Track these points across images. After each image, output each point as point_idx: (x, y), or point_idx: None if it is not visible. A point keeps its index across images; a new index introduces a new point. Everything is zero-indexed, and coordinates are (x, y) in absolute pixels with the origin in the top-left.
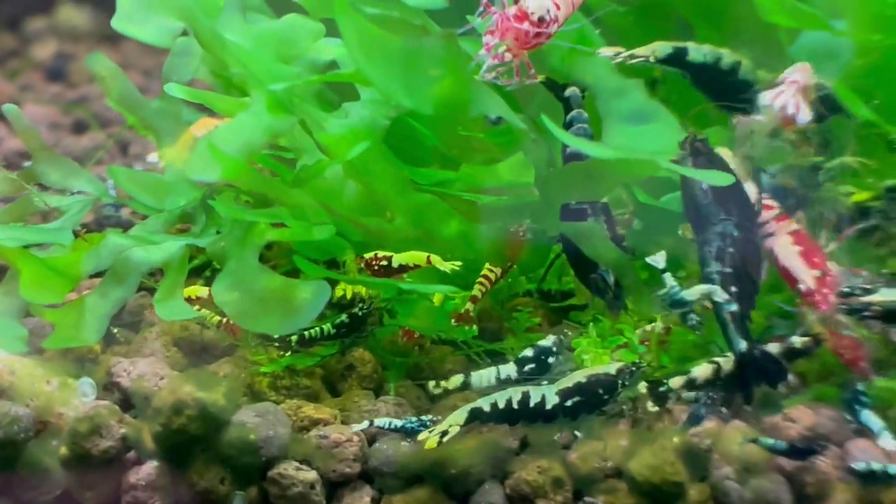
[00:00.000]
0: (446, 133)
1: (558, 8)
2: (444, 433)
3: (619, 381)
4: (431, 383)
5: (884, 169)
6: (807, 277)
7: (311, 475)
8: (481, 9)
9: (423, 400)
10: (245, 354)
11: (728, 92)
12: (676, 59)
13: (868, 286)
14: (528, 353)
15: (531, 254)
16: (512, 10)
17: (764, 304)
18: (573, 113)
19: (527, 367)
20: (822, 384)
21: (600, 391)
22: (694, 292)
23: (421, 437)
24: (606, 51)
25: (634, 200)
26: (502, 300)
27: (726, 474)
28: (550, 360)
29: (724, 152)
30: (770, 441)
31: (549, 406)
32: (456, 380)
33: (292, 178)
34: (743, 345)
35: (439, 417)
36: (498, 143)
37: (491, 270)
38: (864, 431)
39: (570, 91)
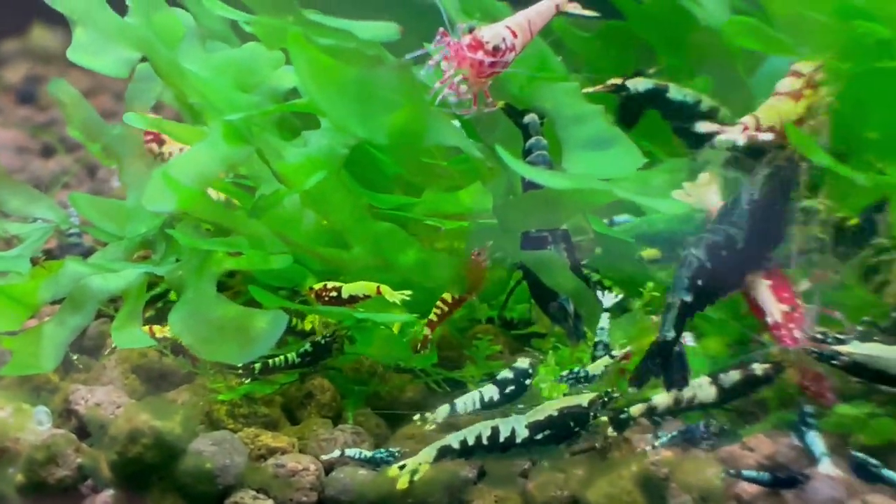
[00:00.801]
0: (408, 160)
1: (515, 36)
2: (415, 471)
3: (592, 413)
4: (416, 418)
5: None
6: (775, 311)
7: None
8: (438, 37)
9: (382, 428)
10: (204, 382)
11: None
12: (656, 95)
13: (840, 336)
14: (509, 374)
15: (492, 281)
16: (466, 39)
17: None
18: (531, 140)
19: (508, 389)
20: (782, 412)
21: (572, 424)
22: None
23: (391, 473)
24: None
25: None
26: (462, 328)
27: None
28: (528, 381)
29: (707, 177)
30: (753, 473)
31: (519, 440)
32: (443, 410)
33: (250, 208)
34: (671, 335)
35: (407, 450)
36: (461, 170)
37: (448, 298)
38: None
39: (529, 118)
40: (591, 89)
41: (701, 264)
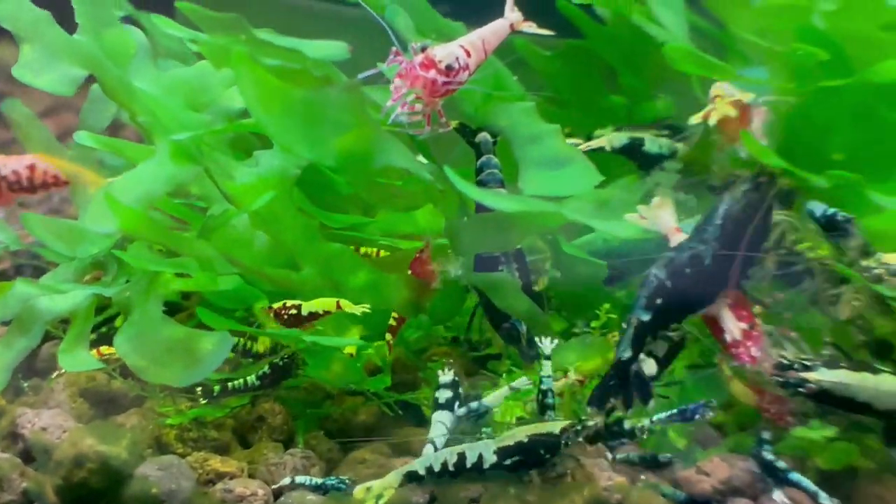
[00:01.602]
0: (362, 181)
1: (469, 55)
2: (380, 496)
3: (563, 441)
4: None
5: None
6: (734, 329)
7: None
8: (391, 56)
9: (334, 452)
10: (153, 405)
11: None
12: (632, 148)
13: (807, 362)
14: (448, 393)
15: (445, 302)
16: (419, 58)
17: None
18: (482, 159)
19: (456, 405)
20: (740, 435)
21: (542, 451)
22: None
23: (357, 494)
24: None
25: (551, 247)
26: (419, 349)
27: None
28: (460, 389)
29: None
30: (669, 490)
31: (486, 465)
32: (427, 451)
33: (199, 229)
34: (627, 354)
35: (356, 479)
36: (417, 190)
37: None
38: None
39: (481, 137)
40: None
41: (660, 283)
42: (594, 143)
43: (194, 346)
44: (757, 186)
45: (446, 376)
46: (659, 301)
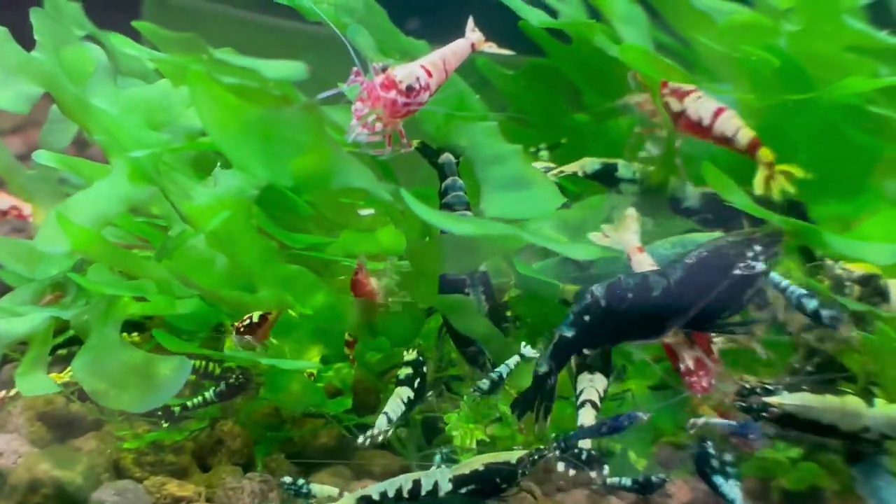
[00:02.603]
0: (325, 201)
1: (430, 75)
2: None
3: (520, 471)
4: (360, 439)
5: None
6: (687, 357)
7: None
8: (352, 76)
9: (293, 475)
10: (112, 429)
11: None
12: (605, 174)
13: (769, 385)
14: (408, 370)
15: (403, 324)
16: (379, 78)
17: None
18: (447, 181)
19: (416, 383)
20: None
21: (498, 480)
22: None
23: None
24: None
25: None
26: (381, 371)
27: None
28: (424, 368)
29: (627, 219)
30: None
31: (441, 493)
32: (381, 422)
33: (156, 250)
34: (543, 368)
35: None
36: (380, 209)
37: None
38: None
39: (444, 158)
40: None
41: (594, 301)
42: (567, 168)
43: (152, 371)
44: (752, 243)
45: (411, 355)
46: (587, 318)
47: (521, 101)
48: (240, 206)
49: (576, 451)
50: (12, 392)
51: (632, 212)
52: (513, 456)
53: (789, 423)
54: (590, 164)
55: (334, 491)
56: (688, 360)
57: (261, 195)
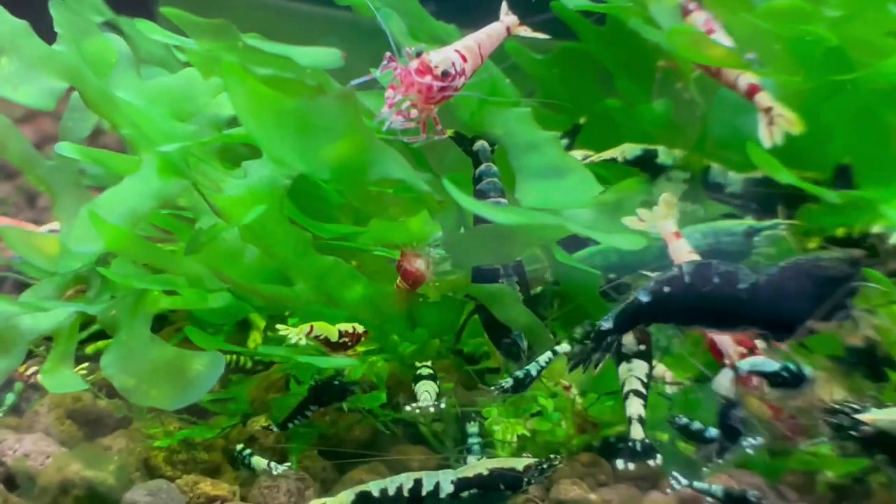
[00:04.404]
0: (355, 189)
1: (465, 60)
2: None
3: (526, 479)
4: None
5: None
6: (732, 353)
7: None
8: (384, 62)
9: (329, 472)
10: (140, 427)
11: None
12: (646, 160)
13: (856, 405)
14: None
15: (442, 314)
16: (414, 63)
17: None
18: (481, 167)
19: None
20: None
21: (502, 486)
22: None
23: None
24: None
25: (550, 257)
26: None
27: None
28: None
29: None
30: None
31: (442, 495)
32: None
33: (187, 244)
34: (608, 325)
35: None
36: (411, 197)
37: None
38: None
39: (478, 145)
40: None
41: (679, 275)
42: (606, 154)
43: (185, 367)
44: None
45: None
46: (666, 290)
47: (552, 85)
48: (273, 197)
49: (629, 443)
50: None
51: (668, 196)
52: (520, 463)
53: (880, 441)
54: (630, 150)
55: (264, 463)
56: (732, 356)
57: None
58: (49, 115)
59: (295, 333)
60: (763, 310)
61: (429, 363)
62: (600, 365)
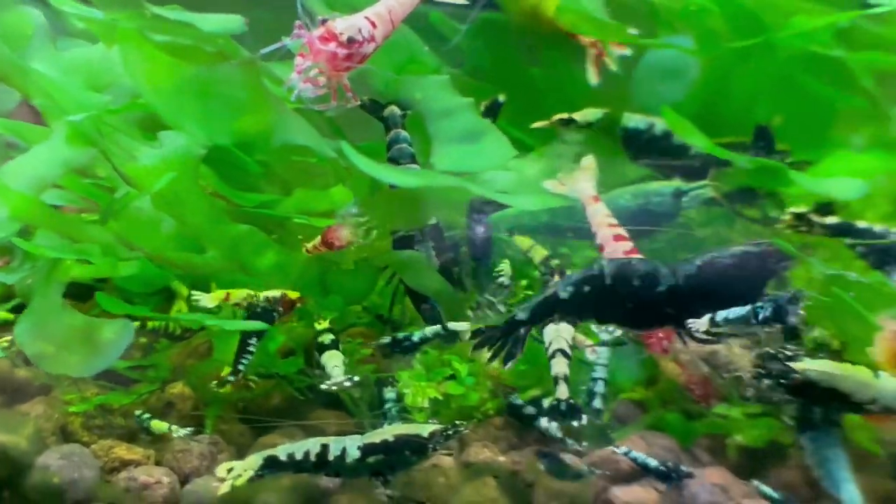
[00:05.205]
0: (278, 159)
1: (374, 26)
2: (238, 476)
3: (431, 446)
4: None
5: None
6: None
7: None
8: (294, 30)
9: (245, 437)
10: (59, 394)
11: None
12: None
13: (789, 352)
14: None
15: (357, 282)
16: (319, 31)
17: None
18: (391, 134)
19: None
20: (660, 411)
21: (407, 453)
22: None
23: (220, 472)
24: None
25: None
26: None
27: None
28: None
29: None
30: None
31: (348, 461)
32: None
33: (101, 213)
34: (523, 315)
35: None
36: (335, 166)
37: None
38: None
39: (388, 111)
40: (538, 124)
41: (598, 275)
42: (561, 116)
43: (95, 335)
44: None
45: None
46: (586, 289)
47: (477, 56)
48: (186, 166)
49: (554, 402)
50: None
51: (589, 160)
52: (426, 429)
53: (809, 391)
54: (592, 112)
55: (165, 427)
56: None
57: (210, 154)
58: None
59: (208, 300)
60: (681, 309)
61: (329, 328)
62: (510, 363)
